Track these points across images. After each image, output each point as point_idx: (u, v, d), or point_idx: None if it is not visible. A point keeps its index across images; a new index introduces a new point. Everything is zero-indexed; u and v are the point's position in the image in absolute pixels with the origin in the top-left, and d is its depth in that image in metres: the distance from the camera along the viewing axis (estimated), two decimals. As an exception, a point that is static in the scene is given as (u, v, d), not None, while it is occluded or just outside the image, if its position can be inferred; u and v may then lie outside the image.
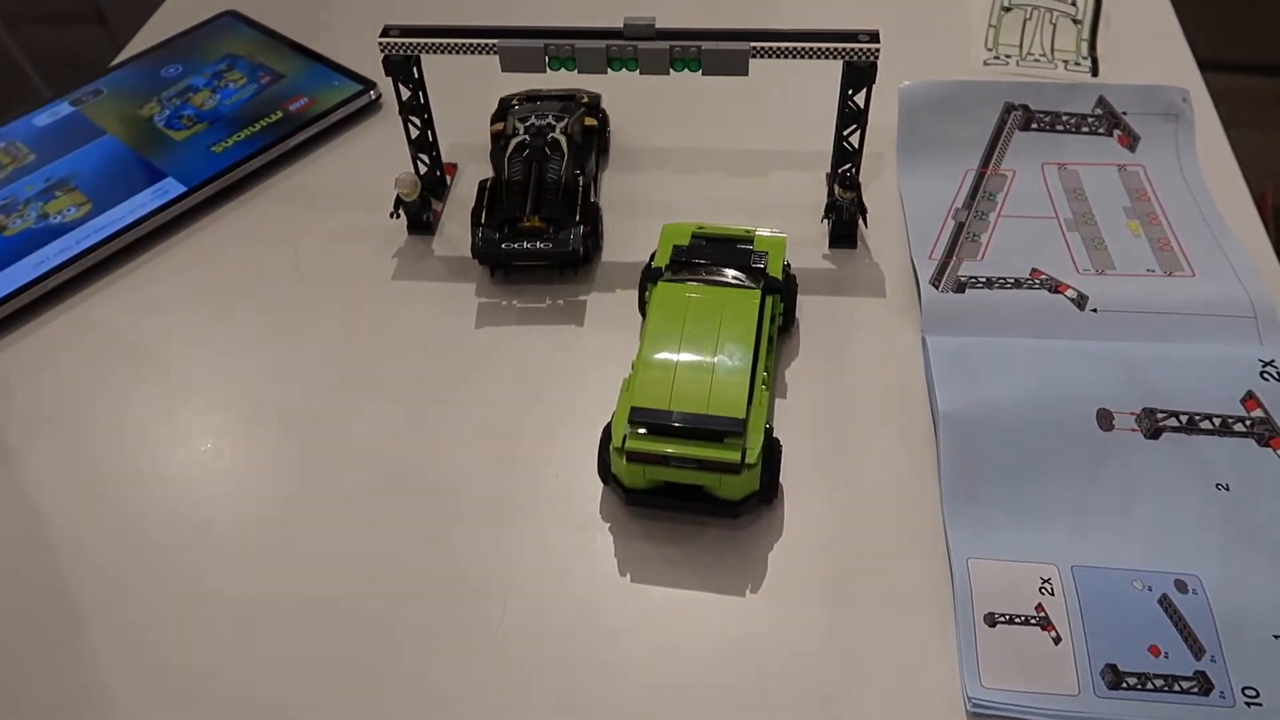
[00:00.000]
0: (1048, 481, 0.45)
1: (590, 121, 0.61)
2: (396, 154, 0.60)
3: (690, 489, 0.44)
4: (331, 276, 0.58)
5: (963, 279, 0.54)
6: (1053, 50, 0.69)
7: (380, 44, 0.53)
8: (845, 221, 0.56)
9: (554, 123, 0.59)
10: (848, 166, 0.55)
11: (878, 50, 0.50)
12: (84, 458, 0.50)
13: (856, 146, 0.55)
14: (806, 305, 0.54)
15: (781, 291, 0.51)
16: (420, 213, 0.58)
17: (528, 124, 0.59)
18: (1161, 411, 0.47)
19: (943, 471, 0.46)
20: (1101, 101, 0.61)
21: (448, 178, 0.62)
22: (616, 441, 0.44)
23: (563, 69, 0.52)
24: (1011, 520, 0.44)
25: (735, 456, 0.42)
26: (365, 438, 0.50)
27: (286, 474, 0.49)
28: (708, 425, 0.43)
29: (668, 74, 0.52)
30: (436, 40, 0.53)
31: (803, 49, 0.51)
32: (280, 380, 0.53)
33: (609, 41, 0.51)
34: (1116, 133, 0.61)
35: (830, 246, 0.57)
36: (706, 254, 0.51)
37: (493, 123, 0.62)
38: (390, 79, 0.55)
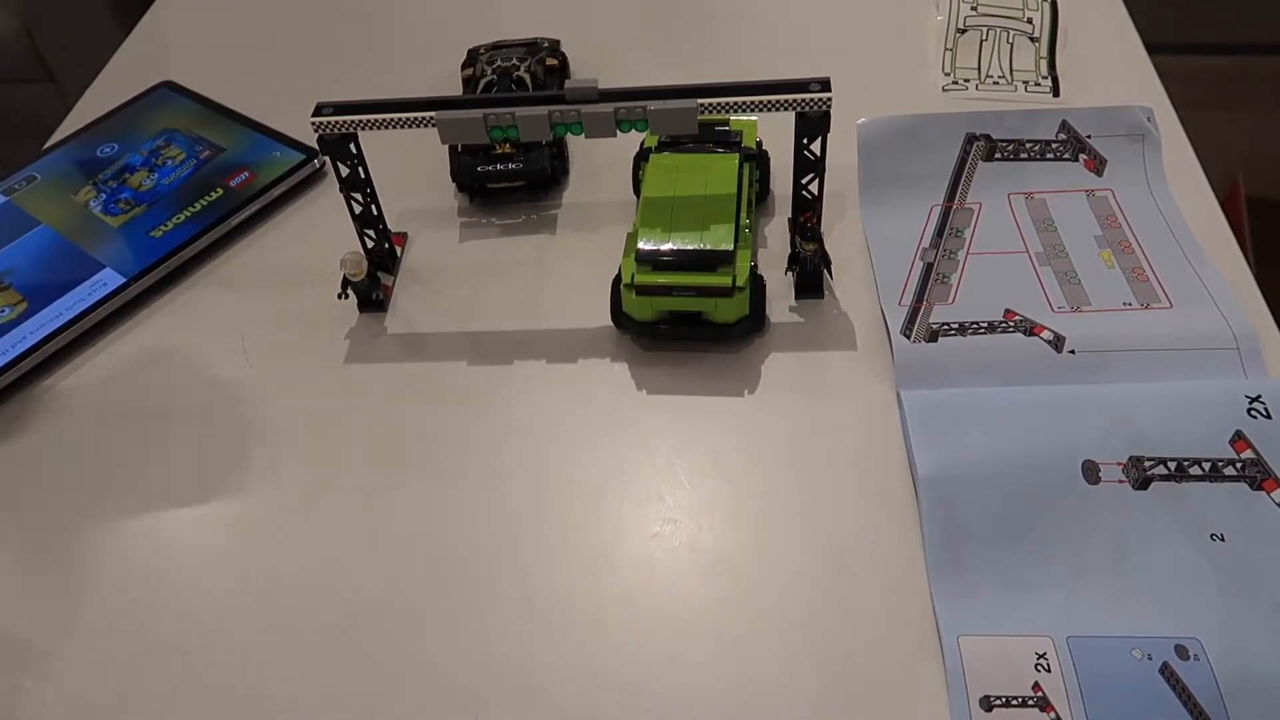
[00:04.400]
0: (1036, 543, 0.44)
1: (551, 62, 0.68)
2: (344, 224, 0.57)
3: (690, 318, 0.52)
4: (281, 364, 0.55)
5: (934, 326, 0.52)
6: (1011, 72, 0.67)
7: (314, 124, 0.51)
8: (810, 273, 0.54)
9: (518, 63, 0.65)
10: (809, 215, 0.54)
11: (830, 99, 0.49)
12: (37, 571, 0.48)
13: (816, 194, 0.53)
14: (774, 362, 0.52)
15: (756, 159, 0.57)
16: (370, 291, 0.56)
17: (495, 66, 0.65)
18: (1149, 459, 0.45)
19: (926, 540, 0.44)
20: (1065, 126, 0.59)
21: (397, 249, 0.60)
22: (626, 279, 0.51)
23: (505, 137, 0.50)
24: (1001, 588, 0.42)
25: (727, 281, 0.50)
26: (327, 536, 0.48)
27: (250, 580, 0.47)
28: (702, 256, 0.50)
29: (614, 136, 0.50)
30: (372, 116, 0.51)
31: (752, 103, 0.49)
32: (235, 484, 0.50)
33: (551, 108, 0.49)
34: (1082, 157, 0.59)
35: (796, 298, 0.55)
36: (689, 136, 0.57)
37: (463, 69, 0.67)
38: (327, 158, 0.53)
